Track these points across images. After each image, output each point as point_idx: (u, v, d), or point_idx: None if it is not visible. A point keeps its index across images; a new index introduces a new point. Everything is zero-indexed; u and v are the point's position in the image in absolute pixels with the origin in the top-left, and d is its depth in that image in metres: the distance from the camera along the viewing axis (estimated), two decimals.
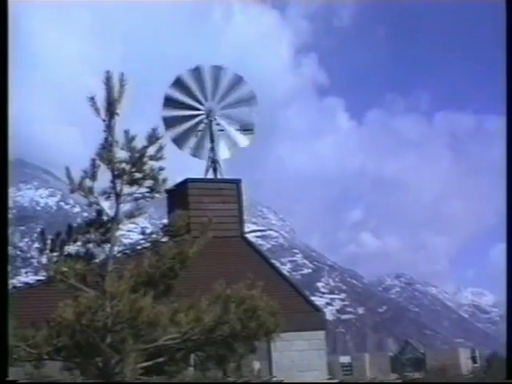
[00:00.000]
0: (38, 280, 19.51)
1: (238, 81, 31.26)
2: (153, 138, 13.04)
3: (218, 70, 31.17)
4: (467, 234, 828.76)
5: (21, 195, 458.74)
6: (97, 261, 13.32)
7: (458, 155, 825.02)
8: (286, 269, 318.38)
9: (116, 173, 12.86)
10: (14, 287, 38.19)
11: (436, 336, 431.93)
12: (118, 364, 12.25)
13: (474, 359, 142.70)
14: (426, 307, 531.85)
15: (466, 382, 38.47)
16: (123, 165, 12.85)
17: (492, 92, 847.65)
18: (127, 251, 14.95)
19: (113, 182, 12.91)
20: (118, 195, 12.95)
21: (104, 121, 12.87)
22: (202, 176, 29.90)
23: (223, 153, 30.87)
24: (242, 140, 30.83)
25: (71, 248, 13.46)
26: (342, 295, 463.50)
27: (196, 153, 30.14)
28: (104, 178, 12.91)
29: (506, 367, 12.71)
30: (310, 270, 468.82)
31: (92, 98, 12.76)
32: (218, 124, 30.48)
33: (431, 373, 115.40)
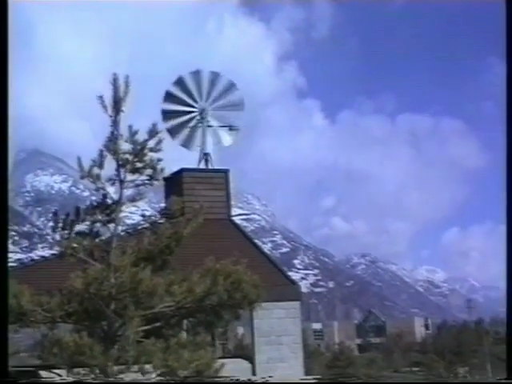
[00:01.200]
0: (52, 254, 19.39)
1: (231, 87, 31.20)
2: (153, 132, 13.02)
3: (215, 76, 31.12)
4: (423, 220, 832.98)
5: (38, 180, 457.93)
6: (103, 238, 13.26)
7: (417, 151, 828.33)
8: (267, 248, 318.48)
9: (120, 162, 12.83)
10: (32, 260, 38.06)
11: (395, 307, 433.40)
12: (120, 327, 12.26)
13: (426, 327, 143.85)
14: (386, 282, 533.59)
15: (465, 382, 37.75)
16: (126, 155, 12.82)
17: (447, 97, 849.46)
18: (129, 230, 14.91)
19: (117, 170, 12.89)
20: (121, 182, 12.92)
21: (111, 117, 12.84)
22: (195, 166, 29.83)
23: (214, 146, 30.82)
24: (229, 137, 30.79)
25: (81, 227, 13.43)
26: (315, 271, 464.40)
27: (185, 144, 30.09)
28: (110, 166, 12.89)
29: (506, 367, 12.00)
30: (287, 249, 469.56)
31: (101, 97, 12.74)
32: (208, 122, 30.41)
33: (390, 338, 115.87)
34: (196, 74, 31.13)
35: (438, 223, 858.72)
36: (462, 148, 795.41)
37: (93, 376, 12.01)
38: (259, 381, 23.30)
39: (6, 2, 11.13)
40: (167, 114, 30.44)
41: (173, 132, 29.98)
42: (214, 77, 31.17)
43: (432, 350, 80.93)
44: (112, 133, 12.90)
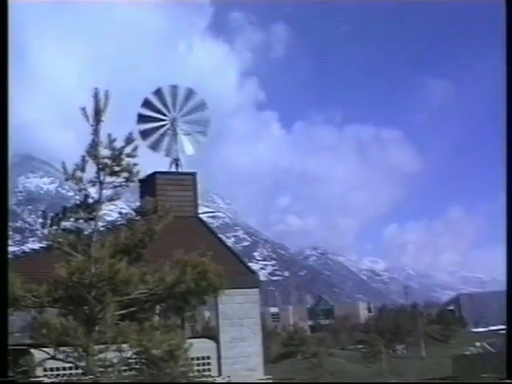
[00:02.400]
0: (41, 247, 19.23)
1: (190, 93, 31.14)
2: (129, 140, 12.97)
3: (174, 88, 31.05)
4: (367, 216, 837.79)
5: (29, 182, 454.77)
6: (85, 233, 13.19)
7: (362, 157, 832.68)
8: (230, 242, 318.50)
9: (100, 166, 12.78)
10: (24, 252, 37.60)
11: (342, 293, 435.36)
12: (100, 312, 12.20)
13: (369, 310, 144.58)
14: (335, 271, 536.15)
15: (464, 381, 37.66)
16: (106, 160, 12.77)
17: (388, 110, 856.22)
18: (108, 226, 14.79)
19: (97, 173, 12.83)
20: (101, 183, 12.87)
21: (92, 126, 12.79)
22: (166, 170, 29.74)
23: (185, 152, 30.73)
24: (191, 147, 30.72)
25: (66, 223, 13.36)
26: (273, 262, 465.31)
27: (154, 147, 29.99)
28: (91, 170, 12.85)
29: (506, 367, 11.65)
30: (248, 243, 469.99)
31: (83, 109, 12.68)
32: (180, 131, 30.32)
33: (338, 320, 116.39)
34: (173, 88, 31.06)
35: (380, 220, 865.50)
36: (400, 154, 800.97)
37: (76, 354, 11.98)
38: (222, 381, 23.27)
39: (6, 2, 10.89)
40: (142, 118, 30.34)
41: (144, 135, 29.84)
42: (174, 89, 31.10)
43: (374, 330, 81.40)
44: (93, 140, 12.85)
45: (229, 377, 23.77)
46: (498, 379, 40.63)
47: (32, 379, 12.46)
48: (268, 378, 26.12)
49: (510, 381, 11.43)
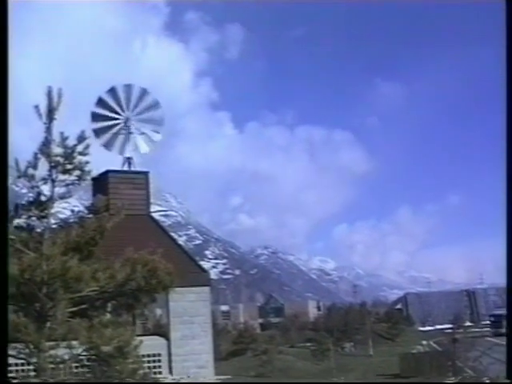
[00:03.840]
0: None
1: (143, 93, 31.08)
2: (81, 138, 12.93)
3: (128, 87, 30.95)
4: (317, 216, 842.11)
5: None
6: (37, 231, 13.12)
7: (313, 158, 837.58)
8: (182, 240, 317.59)
9: (52, 164, 12.72)
10: None
11: (292, 291, 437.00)
12: (51, 309, 12.14)
13: (318, 308, 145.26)
14: (285, 270, 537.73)
15: (463, 381, 37.78)
16: (58, 158, 12.71)
17: (339, 112, 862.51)
18: (60, 224, 14.76)
19: (50, 171, 12.77)
20: (53, 181, 12.80)
21: (45, 124, 12.72)
22: (119, 168, 29.64)
23: (139, 150, 30.64)
24: (146, 146, 30.66)
25: (18, 221, 13.28)
26: (224, 260, 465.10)
27: (107, 145, 29.85)
28: (43, 167, 12.77)
29: (506, 367, 11.51)
30: (200, 241, 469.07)
31: (37, 107, 12.61)
32: (134, 130, 30.23)
33: (288, 318, 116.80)
34: (127, 87, 30.95)
35: (330, 219, 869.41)
36: (350, 155, 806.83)
37: (27, 350, 11.93)
38: (174, 381, 23.30)
39: (6, 2, 10.77)
40: (96, 117, 30.19)
41: (98, 133, 29.70)
42: (143, 92, 31.04)
43: (323, 328, 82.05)
44: (46, 138, 12.78)
45: (189, 377, 23.85)
46: (445, 377, 41.21)
47: None
48: (220, 378, 26.19)
49: (509, 381, 11.43)
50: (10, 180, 12.57)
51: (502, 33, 10.19)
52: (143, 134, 30.52)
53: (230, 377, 36.28)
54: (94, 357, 12.24)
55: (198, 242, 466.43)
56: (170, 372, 24.32)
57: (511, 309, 10.96)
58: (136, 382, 12.77)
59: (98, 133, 29.65)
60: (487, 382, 36.61)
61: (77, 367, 12.50)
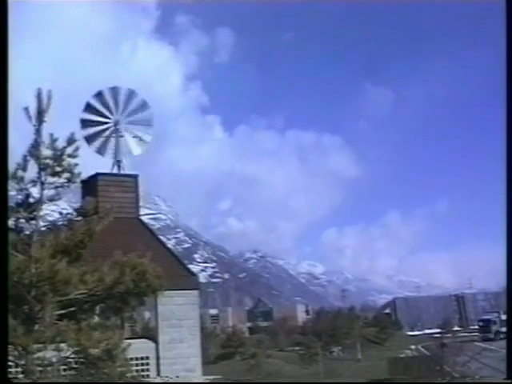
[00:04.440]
0: None
1: (131, 94, 31.03)
2: (71, 140, 12.94)
3: (131, 93, 30.90)
4: (306, 221, 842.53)
5: None
6: (26, 233, 13.10)
7: (302, 162, 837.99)
8: (171, 243, 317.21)
9: (41, 166, 12.72)
10: None
11: (281, 295, 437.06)
12: (39, 311, 12.13)
13: (307, 312, 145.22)
14: (274, 274, 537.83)
15: (463, 381, 37.68)
16: (47, 160, 12.72)
17: (329, 116, 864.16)
18: (49, 226, 14.76)
19: (39, 173, 12.77)
20: (42, 183, 12.80)
21: (34, 126, 12.71)
22: (108, 171, 29.61)
23: (132, 152, 30.60)
24: (138, 148, 30.62)
25: None
26: (213, 264, 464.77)
27: (100, 151, 29.85)
28: (32, 169, 12.77)
29: (506, 367, 11.41)
30: (189, 245, 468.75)
31: (26, 109, 12.60)
32: (121, 133, 30.18)
33: (276, 322, 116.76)
34: (114, 90, 30.89)
35: (319, 224, 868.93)
36: (339, 159, 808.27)
37: (16, 353, 11.91)
38: (163, 381, 23.29)
39: (6, 2, 10.73)
40: (85, 123, 30.13)
41: (89, 140, 29.69)
42: (130, 94, 30.98)
43: (311, 332, 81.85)
44: (35, 140, 12.78)
45: (177, 377, 23.82)
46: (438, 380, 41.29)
47: None
48: (208, 378, 26.18)
49: (510, 381, 11.37)
50: None
51: (502, 33, 10.16)
52: (134, 135, 30.47)
53: (219, 377, 36.26)
54: (82, 359, 12.23)
55: (186, 245, 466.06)
56: (159, 375, 24.29)
57: (511, 309, 10.91)
58: (128, 383, 12.77)
59: (89, 139, 29.64)
60: (487, 382, 36.59)
61: (65, 370, 12.48)
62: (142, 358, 24.16)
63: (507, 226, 10.37)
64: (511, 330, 12.02)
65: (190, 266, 32.73)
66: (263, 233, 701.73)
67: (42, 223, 13.37)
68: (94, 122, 30.16)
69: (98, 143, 29.90)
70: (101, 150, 29.86)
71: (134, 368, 21.23)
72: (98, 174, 27.86)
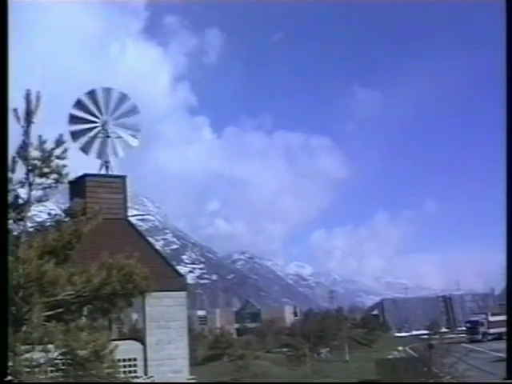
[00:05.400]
0: None
1: (123, 97, 30.96)
2: (59, 142, 12.95)
3: (107, 91, 30.82)
4: (295, 222, 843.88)
5: None
6: (13, 234, 13.09)
7: (291, 163, 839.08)
8: (159, 244, 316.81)
9: (30, 167, 12.75)
10: None
11: (269, 296, 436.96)
12: (27, 312, 12.13)
13: (295, 314, 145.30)
14: (262, 275, 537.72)
15: (463, 382, 37.64)
16: (35, 161, 12.73)
17: (317, 117, 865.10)
18: (37, 227, 14.76)
19: (27, 174, 12.78)
20: (30, 184, 12.82)
21: (23, 127, 12.72)
22: (97, 172, 29.55)
23: (117, 154, 30.54)
24: (123, 150, 30.56)
25: None
26: (201, 265, 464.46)
27: (84, 149, 29.69)
28: (21, 170, 12.77)
29: (506, 367, 11.40)
30: (177, 246, 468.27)
31: (15, 110, 12.59)
32: (111, 134, 30.13)
33: (264, 323, 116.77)
34: (106, 91, 30.81)
35: (307, 225, 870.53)
36: (328, 161, 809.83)
37: None
38: (150, 381, 23.28)
39: (6, 2, 10.71)
40: (73, 119, 30.00)
41: (75, 136, 29.54)
42: (107, 92, 30.89)
43: (299, 333, 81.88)
44: (23, 141, 12.80)
45: (152, 377, 23.80)
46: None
47: None
48: (193, 378, 26.21)
49: (510, 381, 11.35)
50: None
51: (502, 33, 10.22)
52: (120, 138, 30.40)
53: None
54: (69, 361, 12.23)
55: (175, 246, 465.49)
56: (146, 376, 24.28)
57: (511, 310, 10.95)
58: (116, 382, 12.79)
59: (75, 136, 29.49)
60: (488, 381, 36.58)
61: (52, 371, 12.48)
62: (129, 360, 24.14)
63: (507, 226, 10.34)
64: (511, 330, 12.07)
65: (178, 268, 32.72)
66: (251, 234, 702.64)
67: (29, 224, 13.38)
68: (82, 119, 30.04)
69: (83, 141, 29.76)
70: (85, 149, 29.73)
71: (122, 369, 21.23)
72: (86, 175, 27.81)
